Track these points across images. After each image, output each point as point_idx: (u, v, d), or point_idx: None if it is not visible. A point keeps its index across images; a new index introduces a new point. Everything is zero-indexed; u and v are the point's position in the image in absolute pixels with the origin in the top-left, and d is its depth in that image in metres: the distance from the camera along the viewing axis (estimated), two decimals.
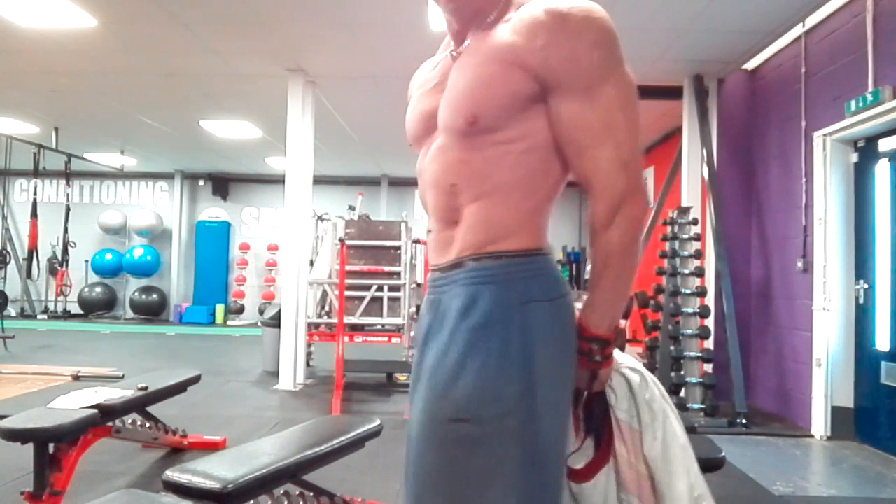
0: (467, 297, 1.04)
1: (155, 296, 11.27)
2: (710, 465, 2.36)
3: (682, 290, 4.72)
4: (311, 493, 2.35)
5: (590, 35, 0.98)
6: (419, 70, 1.29)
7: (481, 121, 1.02)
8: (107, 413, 2.75)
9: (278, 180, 7.98)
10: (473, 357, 1.00)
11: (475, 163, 1.05)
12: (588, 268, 1.03)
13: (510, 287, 1.03)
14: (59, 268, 9.31)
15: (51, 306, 11.33)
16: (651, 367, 4.98)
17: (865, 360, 4.00)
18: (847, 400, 4.09)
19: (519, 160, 1.04)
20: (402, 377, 5.75)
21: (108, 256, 11.33)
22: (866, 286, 4.00)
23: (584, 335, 1.07)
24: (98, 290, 11.28)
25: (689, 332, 4.60)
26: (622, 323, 6.44)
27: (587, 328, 1.07)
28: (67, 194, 8.98)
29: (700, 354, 4.55)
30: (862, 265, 4.06)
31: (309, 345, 6.14)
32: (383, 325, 5.74)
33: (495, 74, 1.01)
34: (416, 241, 6.17)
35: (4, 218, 9.50)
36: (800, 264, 4.45)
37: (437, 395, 1.02)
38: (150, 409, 3.25)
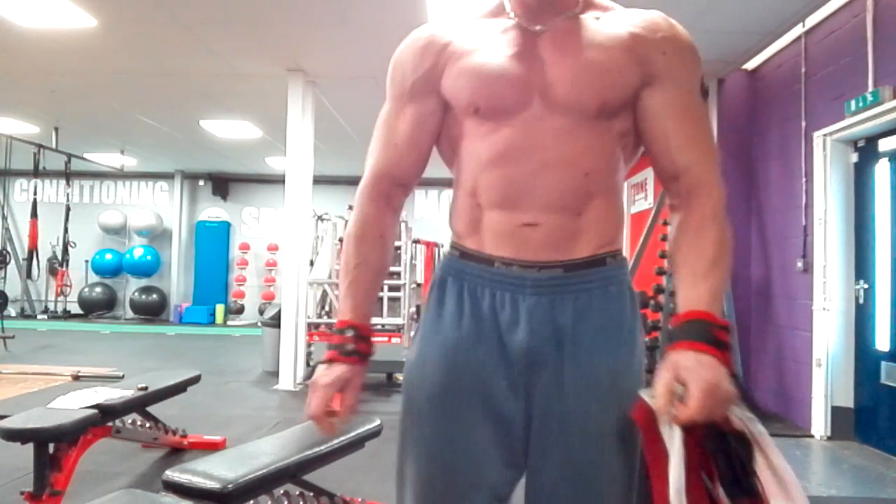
0: (625, 299, 1.06)
1: (155, 296, 11.28)
2: None
3: None
4: (311, 493, 2.36)
5: (695, 53, 1.07)
6: (439, 28, 1.17)
7: (607, 107, 1.01)
8: (107, 413, 2.75)
9: (278, 180, 7.98)
10: (639, 358, 1.08)
11: (604, 152, 1.04)
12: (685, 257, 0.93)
13: (631, 287, 1.09)
14: (59, 268, 9.32)
15: (51, 306, 11.33)
16: (651, 368, 4.97)
17: (865, 360, 3.99)
18: (847, 400, 4.08)
19: (626, 153, 1.09)
20: (401, 377, 5.75)
21: (108, 256, 11.33)
22: (866, 286, 4.00)
23: (719, 323, 0.93)
24: (98, 290, 11.28)
25: None
26: None
27: (718, 318, 0.94)
28: (67, 194, 8.98)
29: None
30: (862, 265, 4.06)
31: (309, 345, 6.14)
32: (383, 325, 5.74)
33: (622, 62, 1.02)
34: (417, 241, 6.17)
35: (4, 218, 9.49)
36: (800, 264, 4.45)
37: (626, 397, 1.00)
38: (150, 409, 3.25)
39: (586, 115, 1.01)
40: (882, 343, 3.84)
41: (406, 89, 1.14)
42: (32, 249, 8.11)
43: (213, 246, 11.55)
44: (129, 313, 11.44)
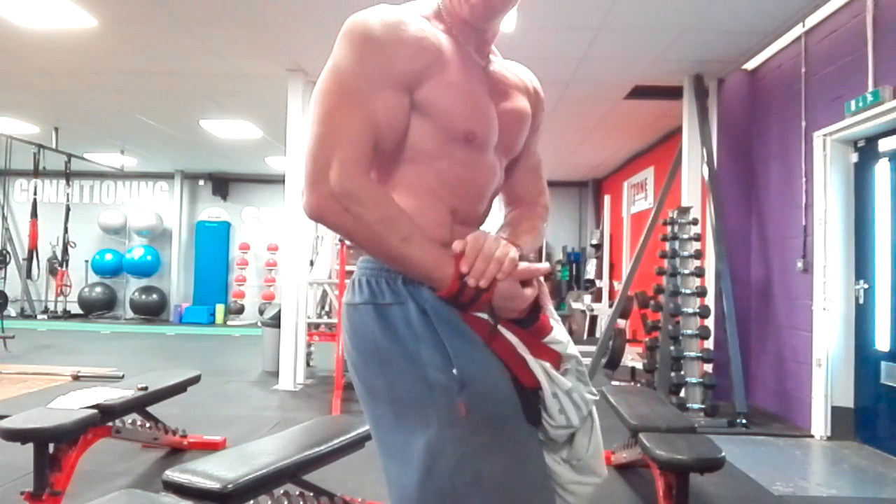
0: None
1: (155, 296, 11.27)
2: (710, 464, 2.36)
3: (682, 290, 4.72)
4: (311, 493, 2.36)
5: None
6: (427, 25, 1.08)
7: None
8: (107, 413, 2.75)
9: (278, 180, 7.99)
10: None
11: (502, 189, 1.26)
12: None
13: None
14: (59, 268, 9.32)
15: (51, 306, 11.33)
16: (651, 368, 4.98)
17: (865, 360, 4.00)
18: (847, 400, 4.09)
19: None
20: None
21: (108, 256, 11.33)
22: (866, 286, 4.00)
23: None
24: (98, 290, 11.28)
25: (689, 332, 4.60)
26: (621, 323, 6.44)
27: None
28: (67, 194, 8.98)
29: (700, 354, 4.55)
30: (862, 265, 4.06)
31: (309, 345, 6.14)
32: None
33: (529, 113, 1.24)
34: None
35: (4, 218, 9.49)
36: (800, 264, 4.45)
37: None
38: (150, 409, 3.25)
39: (508, 160, 1.21)
40: (882, 343, 3.84)
41: (394, 74, 1.02)
42: (32, 249, 8.12)
43: (213, 246, 11.55)
44: (129, 313, 11.44)
